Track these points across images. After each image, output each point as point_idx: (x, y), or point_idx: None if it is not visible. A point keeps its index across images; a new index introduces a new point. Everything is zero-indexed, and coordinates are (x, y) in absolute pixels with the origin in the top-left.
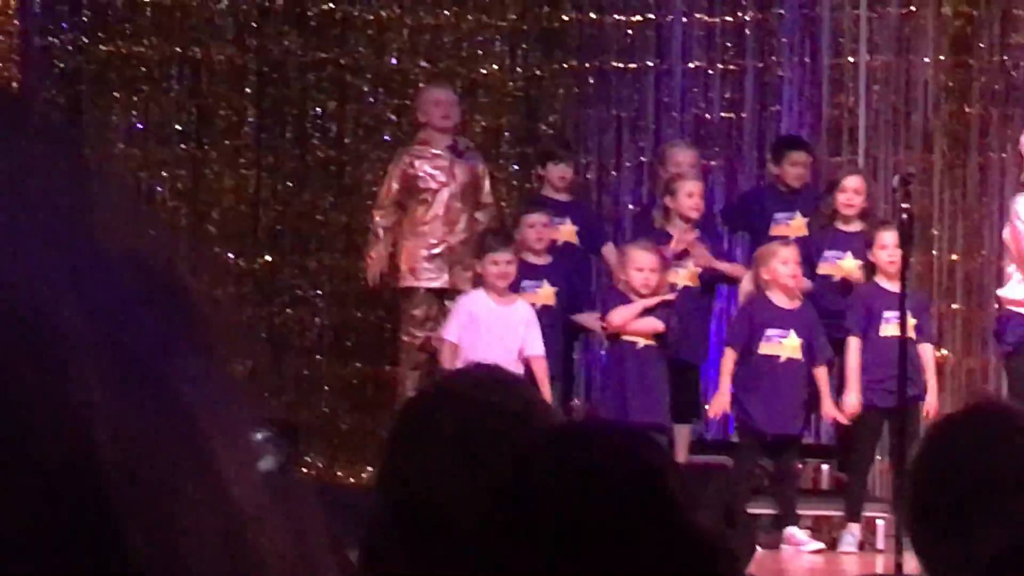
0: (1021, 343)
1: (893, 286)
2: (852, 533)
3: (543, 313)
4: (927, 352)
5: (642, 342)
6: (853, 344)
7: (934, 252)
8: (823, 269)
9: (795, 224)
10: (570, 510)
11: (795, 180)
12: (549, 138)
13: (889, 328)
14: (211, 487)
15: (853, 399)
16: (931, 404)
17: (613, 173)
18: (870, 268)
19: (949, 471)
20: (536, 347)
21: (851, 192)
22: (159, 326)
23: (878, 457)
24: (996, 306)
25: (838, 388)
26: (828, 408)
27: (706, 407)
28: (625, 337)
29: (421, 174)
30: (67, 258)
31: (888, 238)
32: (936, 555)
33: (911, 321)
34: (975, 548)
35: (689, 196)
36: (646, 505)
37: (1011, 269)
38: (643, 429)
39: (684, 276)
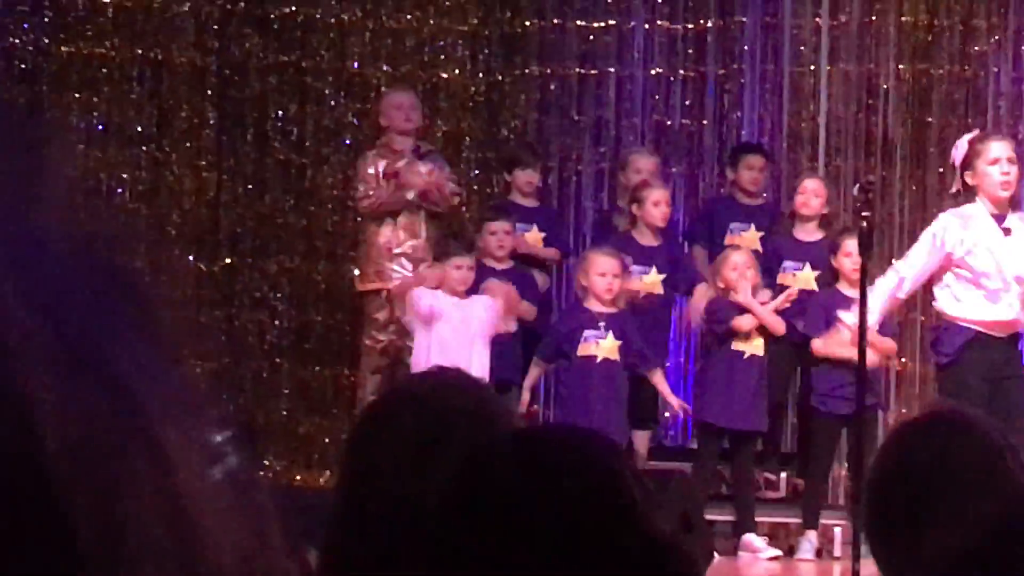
0: (958, 354)
1: (855, 293)
2: (810, 540)
3: None
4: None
5: (602, 355)
6: (817, 345)
7: (894, 260)
8: (783, 279)
9: (748, 236)
10: (526, 512)
11: (750, 184)
12: (515, 144)
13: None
14: (157, 472)
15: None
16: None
17: (574, 179)
18: (832, 274)
19: (907, 476)
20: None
21: (810, 194)
22: (104, 313)
23: (836, 465)
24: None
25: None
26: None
27: (666, 414)
28: (583, 353)
29: (387, 174)
30: (9, 247)
31: (853, 245)
32: (893, 559)
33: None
34: (931, 552)
35: (655, 205)
36: (603, 508)
37: (948, 279)
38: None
39: (649, 282)
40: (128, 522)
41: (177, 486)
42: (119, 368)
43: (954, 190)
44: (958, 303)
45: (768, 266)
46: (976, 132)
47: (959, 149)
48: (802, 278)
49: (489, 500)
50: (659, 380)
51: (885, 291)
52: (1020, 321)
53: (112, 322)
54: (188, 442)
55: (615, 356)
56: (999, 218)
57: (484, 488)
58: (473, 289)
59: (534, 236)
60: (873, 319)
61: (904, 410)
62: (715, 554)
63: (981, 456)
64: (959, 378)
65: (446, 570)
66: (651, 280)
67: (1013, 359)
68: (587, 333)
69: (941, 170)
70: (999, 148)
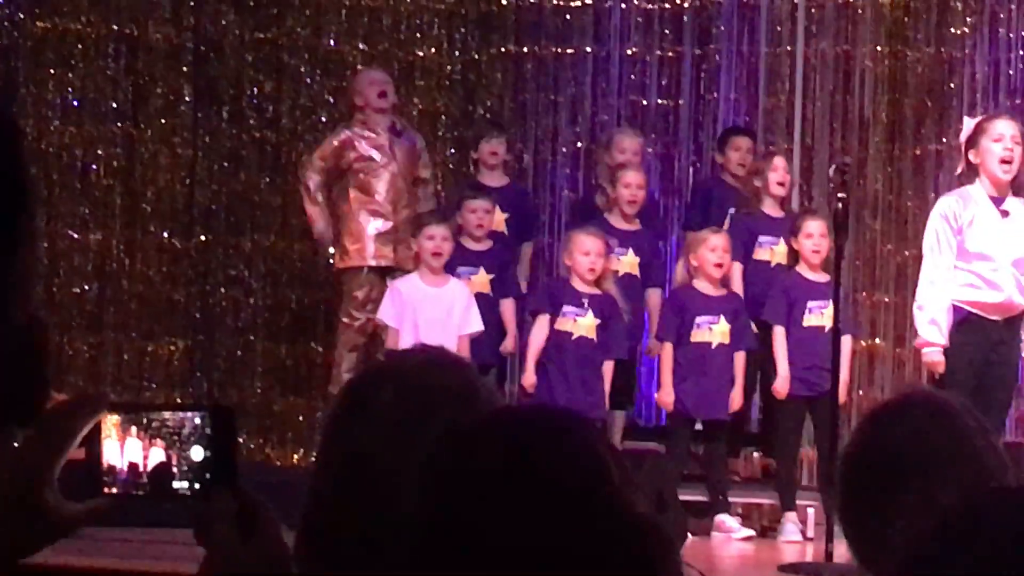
0: (949, 335)
1: (816, 276)
2: (792, 521)
3: (478, 300)
4: (846, 344)
5: (578, 332)
6: (779, 332)
7: (866, 242)
8: (759, 254)
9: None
10: (504, 491)
11: (737, 166)
12: (483, 120)
13: (812, 318)
14: None
15: (783, 384)
16: (842, 396)
17: (549, 158)
18: (793, 256)
19: (880, 458)
20: (473, 325)
21: (782, 171)
22: None
23: (804, 447)
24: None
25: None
26: (737, 394)
27: (642, 394)
28: (560, 327)
29: (363, 154)
30: None
31: (814, 227)
32: (864, 541)
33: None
34: (904, 533)
35: (626, 187)
36: (581, 487)
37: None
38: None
39: (626, 264)
40: None
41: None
42: None
43: (959, 171)
44: (953, 283)
45: (740, 243)
46: (984, 114)
47: (965, 128)
48: (779, 252)
49: (466, 480)
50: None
51: (940, 305)
52: (1015, 303)
53: None
54: None
55: (592, 335)
56: (998, 200)
57: (461, 467)
58: (451, 270)
59: (497, 217)
60: (941, 338)
61: (878, 394)
62: (688, 534)
63: (954, 439)
64: (951, 360)
65: (424, 550)
66: (628, 261)
67: (1007, 342)
68: (566, 308)
69: (917, 152)
70: (1005, 126)
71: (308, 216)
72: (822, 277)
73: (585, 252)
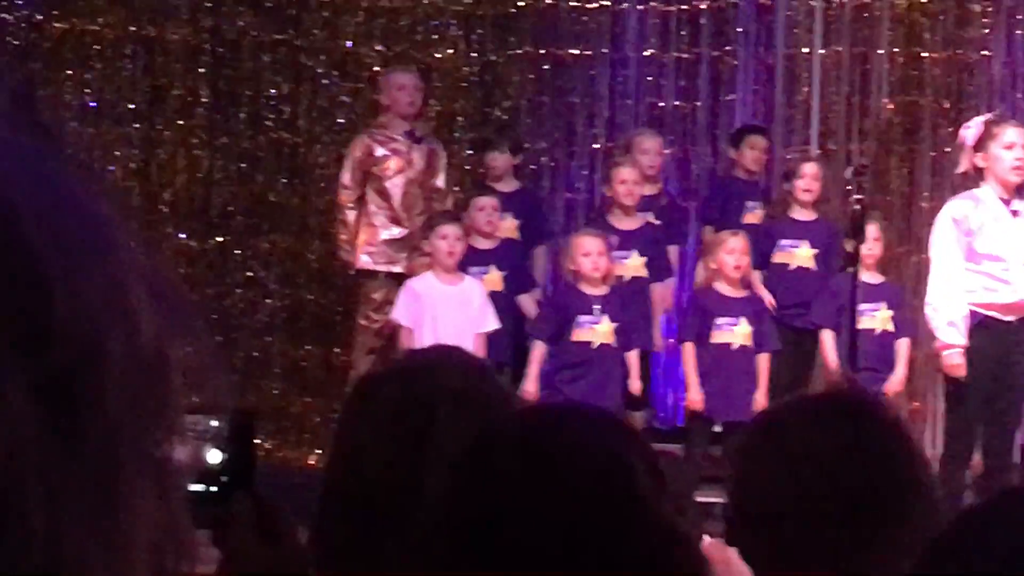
0: (967, 337)
1: (872, 278)
2: None
3: (491, 298)
4: (903, 346)
5: (598, 340)
6: (828, 337)
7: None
8: (778, 258)
9: (760, 214)
10: (532, 496)
11: (753, 164)
12: (494, 126)
13: (864, 321)
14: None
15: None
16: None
17: (566, 160)
18: (849, 259)
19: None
20: (490, 323)
21: (809, 178)
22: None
23: None
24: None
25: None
26: (760, 396)
27: (659, 396)
28: (578, 339)
29: (379, 157)
30: None
31: (871, 231)
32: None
33: (886, 314)
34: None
35: (622, 184)
36: (604, 490)
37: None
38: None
39: (631, 267)
40: (91, 295)
41: (128, 292)
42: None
43: (962, 170)
44: (966, 285)
45: (761, 249)
46: (993, 114)
47: (972, 130)
48: (800, 256)
49: (492, 486)
50: (633, 360)
51: (957, 306)
52: None
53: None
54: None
55: (611, 340)
56: (1007, 201)
57: (487, 473)
58: (462, 269)
59: (508, 225)
60: (960, 339)
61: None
62: (704, 536)
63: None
64: (966, 361)
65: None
66: (632, 264)
67: (1021, 344)
68: (581, 319)
69: (933, 154)
70: (1015, 134)
71: (341, 247)
72: (877, 279)
73: (586, 253)
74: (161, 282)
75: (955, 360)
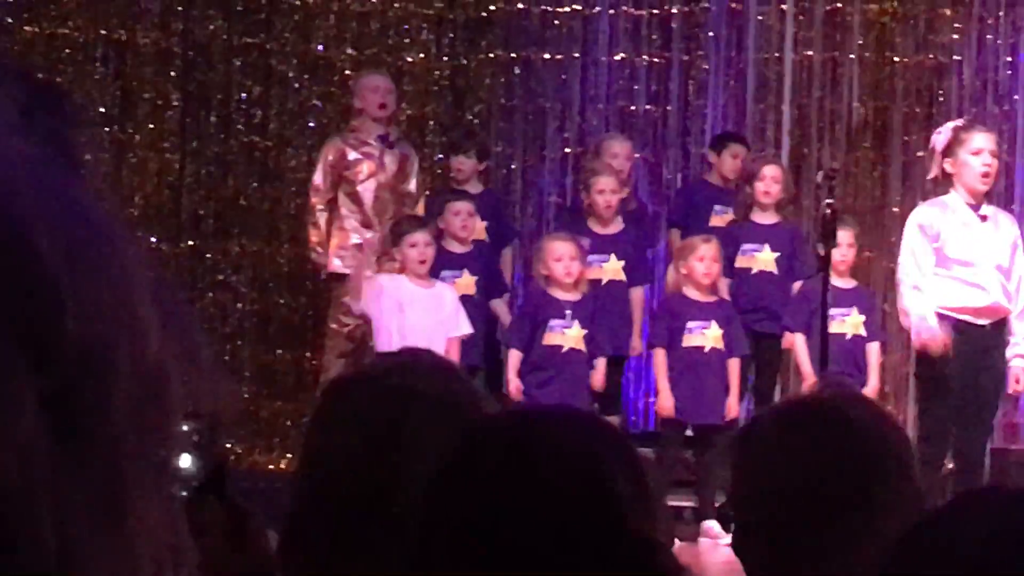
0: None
1: (844, 283)
2: None
3: (463, 302)
4: (874, 352)
5: (568, 344)
6: (800, 341)
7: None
8: (740, 262)
9: (728, 218)
10: (510, 499)
11: (731, 171)
12: (458, 130)
13: (834, 325)
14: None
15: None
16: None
17: (537, 164)
18: (823, 261)
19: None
20: (462, 327)
21: (769, 180)
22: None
23: None
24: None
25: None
26: (733, 401)
27: (631, 399)
28: (549, 342)
29: (351, 161)
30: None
31: (843, 236)
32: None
33: (858, 319)
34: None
35: (600, 193)
36: (588, 497)
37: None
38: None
39: (609, 270)
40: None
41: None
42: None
43: (932, 175)
44: (937, 293)
45: (725, 253)
46: (962, 120)
47: (942, 135)
48: (761, 259)
49: (472, 488)
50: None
51: (925, 309)
52: (1001, 306)
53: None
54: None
55: (581, 345)
56: (975, 207)
57: (468, 475)
58: (435, 274)
59: (478, 226)
60: (934, 323)
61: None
62: (675, 540)
63: (829, 442)
64: (939, 367)
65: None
66: (611, 268)
67: (995, 348)
68: (553, 323)
69: (904, 158)
70: (983, 139)
71: (313, 250)
72: (848, 283)
73: (557, 258)
74: (163, 293)
75: (931, 333)
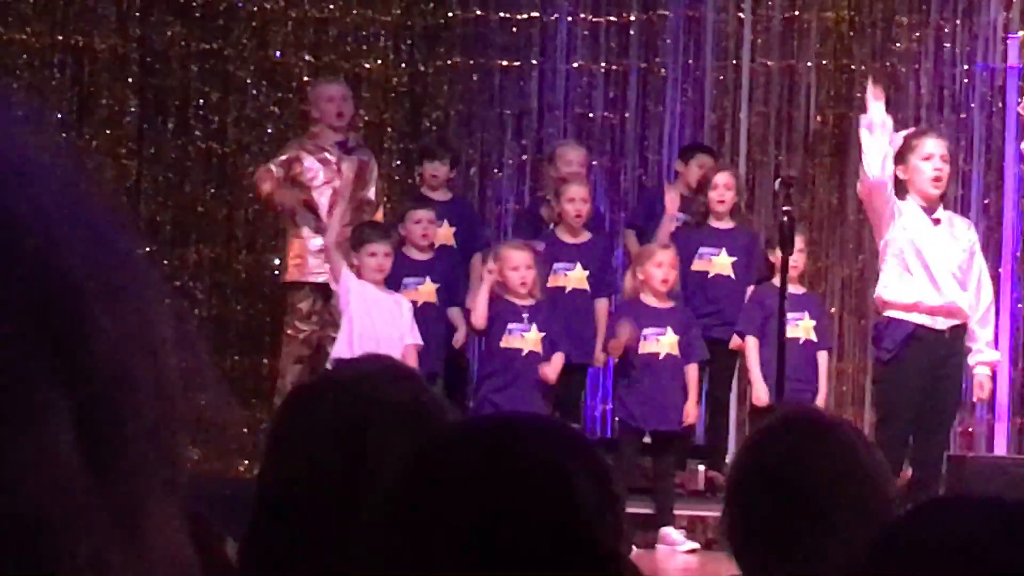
0: (900, 349)
1: (795, 288)
2: None
3: (424, 309)
4: (823, 360)
5: (527, 348)
6: (752, 345)
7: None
8: (697, 265)
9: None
10: (473, 509)
11: (695, 181)
12: (430, 136)
13: (788, 330)
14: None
15: (763, 393)
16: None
17: (496, 171)
18: (770, 269)
19: (763, 480)
20: (416, 338)
21: (722, 188)
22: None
23: None
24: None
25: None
26: (691, 407)
27: (588, 407)
28: (507, 344)
29: (307, 166)
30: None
31: (797, 242)
32: (756, 563)
33: (809, 324)
34: (793, 558)
35: (570, 202)
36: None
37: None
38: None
39: (573, 279)
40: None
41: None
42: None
43: None
44: (895, 291)
45: (680, 256)
46: (913, 128)
47: (894, 144)
48: (718, 263)
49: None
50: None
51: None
52: (957, 307)
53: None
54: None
55: (539, 348)
56: (928, 211)
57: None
58: (397, 280)
59: (445, 232)
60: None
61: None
62: (633, 547)
63: (839, 457)
64: (898, 374)
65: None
66: (575, 276)
67: (953, 356)
68: (511, 326)
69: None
70: (934, 145)
71: (267, 201)
72: (799, 289)
73: (514, 267)
74: (176, 309)
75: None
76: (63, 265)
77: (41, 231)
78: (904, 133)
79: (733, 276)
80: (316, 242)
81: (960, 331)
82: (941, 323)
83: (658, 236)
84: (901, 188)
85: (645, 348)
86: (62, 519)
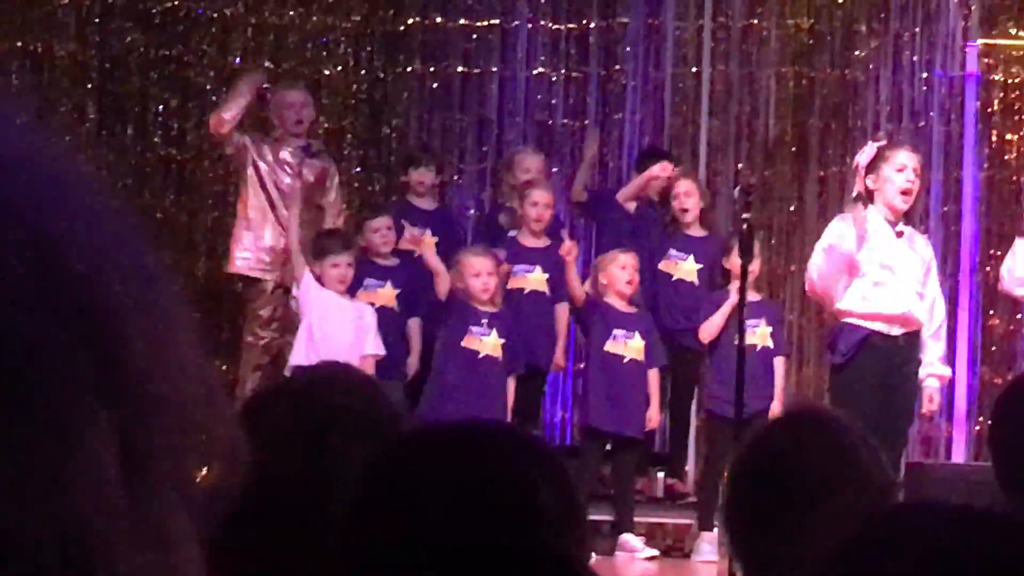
0: (854, 353)
1: (751, 295)
2: (708, 542)
3: (382, 314)
4: (779, 366)
5: (485, 351)
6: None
7: (769, 263)
8: (664, 266)
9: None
10: (433, 516)
11: (654, 189)
12: (413, 143)
13: (748, 336)
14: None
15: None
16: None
17: (455, 178)
18: (725, 276)
19: (763, 474)
20: (378, 348)
21: (683, 196)
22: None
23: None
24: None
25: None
26: (653, 412)
27: (548, 413)
28: (467, 345)
29: (269, 169)
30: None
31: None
32: (754, 558)
33: (765, 330)
34: (792, 551)
35: (534, 205)
36: (512, 516)
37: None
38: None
39: (533, 281)
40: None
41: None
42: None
43: (855, 193)
44: (851, 298)
45: (651, 253)
46: (888, 138)
47: (866, 153)
48: (684, 268)
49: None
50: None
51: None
52: (913, 317)
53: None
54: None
55: (498, 354)
56: (892, 223)
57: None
58: (352, 292)
59: (428, 241)
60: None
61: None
62: (592, 554)
63: (838, 453)
64: (852, 379)
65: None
66: (535, 278)
67: (908, 362)
68: (472, 328)
69: (821, 173)
70: (907, 157)
71: (227, 137)
72: (756, 296)
73: (476, 274)
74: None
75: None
76: (106, 282)
77: (87, 248)
78: (877, 144)
79: (697, 283)
80: (269, 240)
81: (914, 338)
82: (896, 330)
83: (576, 180)
84: (868, 196)
85: (612, 348)
86: (103, 531)
